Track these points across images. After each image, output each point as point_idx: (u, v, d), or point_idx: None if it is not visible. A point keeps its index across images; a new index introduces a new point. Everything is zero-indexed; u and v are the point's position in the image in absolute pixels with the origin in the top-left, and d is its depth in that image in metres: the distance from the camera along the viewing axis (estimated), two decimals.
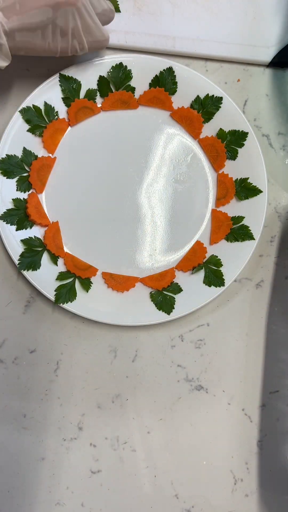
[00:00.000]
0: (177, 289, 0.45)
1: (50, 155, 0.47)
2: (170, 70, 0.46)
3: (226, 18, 0.49)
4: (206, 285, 0.45)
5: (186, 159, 0.48)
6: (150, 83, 0.47)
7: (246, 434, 0.46)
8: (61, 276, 0.45)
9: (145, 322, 0.44)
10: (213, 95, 0.46)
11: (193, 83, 0.46)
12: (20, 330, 0.46)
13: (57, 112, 0.46)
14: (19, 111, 0.45)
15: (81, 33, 0.38)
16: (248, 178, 0.46)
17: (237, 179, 0.46)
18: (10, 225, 0.44)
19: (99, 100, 0.48)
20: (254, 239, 0.45)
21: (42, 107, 0.46)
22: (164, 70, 0.46)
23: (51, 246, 0.45)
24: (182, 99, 0.47)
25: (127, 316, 0.44)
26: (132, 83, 0.47)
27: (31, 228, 0.45)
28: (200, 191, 0.47)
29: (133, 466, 0.45)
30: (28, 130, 0.46)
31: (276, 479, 0.45)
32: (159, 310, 0.45)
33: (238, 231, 0.46)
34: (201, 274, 0.45)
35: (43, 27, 0.37)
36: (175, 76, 0.46)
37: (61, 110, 0.47)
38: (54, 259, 0.45)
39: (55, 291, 0.44)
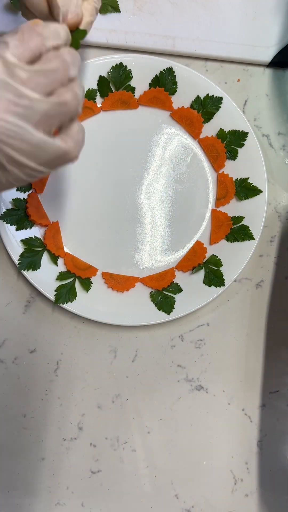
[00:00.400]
0: (177, 289, 0.45)
1: None
2: (170, 70, 0.46)
3: (226, 18, 0.49)
4: (206, 285, 0.45)
5: (186, 159, 0.48)
6: (150, 83, 0.47)
7: (246, 434, 0.46)
8: (61, 276, 0.45)
9: (145, 322, 0.44)
10: (213, 95, 0.46)
11: (193, 83, 0.46)
12: (20, 330, 0.46)
13: None
14: None
15: (20, 159, 0.27)
16: (248, 178, 0.46)
17: (237, 179, 0.46)
18: (10, 225, 0.44)
19: (99, 100, 0.47)
20: (254, 239, 0.45)
21: None
22: (164, 70, 0.46)
23: (51, 246, 0.45)
24: (182, 99, 0.47)
25: (127, 316, 0.44)
26: (132, 83, 0.47)
27: (31, 228, 0.45)
28: (200, 191, 0.47)
29: (133, 466, 0.45)
30: None
31: (276, 479, 0.45)
32: (159, 310, 0.45)
33: (238, 231, 0.46)
34: (201, 274, 0.45)
35: None
36: (175, 76, 0.46)
37: None
38: (54, 259, 0.45)
39: (55, 291, 0.44)
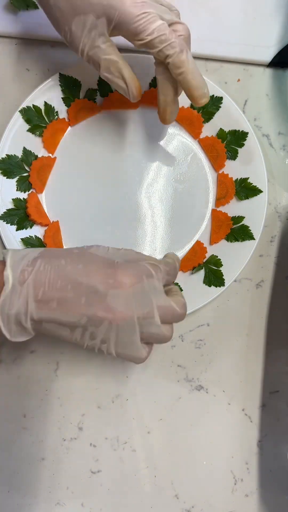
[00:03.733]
0: None
1: (50, 155, 0.47)
2: None
3: (226, 18, 0.49)
4: (206, 285, 0.45)
5: (186, 159, 0.48)
6: (150, 83, 0.47)
7: (246, 434, 0.46)
8: None
9: None
10: (213, 95, 0.46)
11: None
12: None
13: (57, 112, 0.46)
14: (19, 111, 0.45)
15: (111, 344, 0.33)
16: (248, 178, 0.46)
17: (237, 179, 0.46)
18: (10, 225, 0.44)
19: (99, 100, 0.47)
20: (254, 239, 0.45)
21: (42, 107, 0.46)
22: None
23: (51, 245, 0.45)
24: (182, 99, 0.47)
25: None
26: None
27: (31, 228, 0.45)
28: (200, 191, 0.47)
29: (133, 466, 0.45)
30: (28, 130, 0.46)
31: (276, 479, 0.45)
32: None
33: (238, 231, 0.46)
34: (201, 274, 0.45)
35: (73, 327, 0.33)
36: None
37: (61, 110, 0.47)
38: None
39: None
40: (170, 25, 0.37)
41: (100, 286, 0.32)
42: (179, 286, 0.45)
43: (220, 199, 0.47)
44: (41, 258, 0.33)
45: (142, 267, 0.34)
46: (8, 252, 0.34)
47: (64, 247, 0.46)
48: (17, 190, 0.45)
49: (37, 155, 0.46)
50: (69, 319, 0.32)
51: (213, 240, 0.46)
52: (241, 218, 0.46)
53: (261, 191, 0.46)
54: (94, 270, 0.33)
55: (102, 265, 0.34)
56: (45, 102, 0.46)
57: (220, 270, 0.45)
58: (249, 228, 0.45)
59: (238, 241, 0.46)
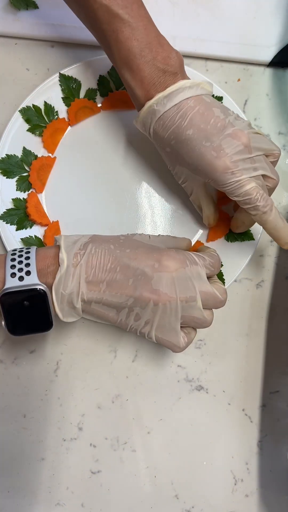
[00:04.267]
0: None
1: (50, 154, 0.47)
2: None
3: (226, 18, 0.49)
4: None
5: None
6: None
7: (246, 434, 0.46)
8: None
9: None
10: (213, 95, 0.46)
11: None
12: None
13: (57, 111, 0.46)
14: (19, 111, 0.45)
15: (153, 326, 0.36)
16: None
17: None
18: (10, 225, 0.44)
19: (99, 100, 0.47)
20: (253, 239, 0.45)
21: (42, 106, 0.46)
22: None
23: (51, 245, 0.45)
24: None
25: None
26: None
27: (31, 228, 0.45)
28: None
29: (133, 467, 0.45)
30: (28, 130, 0.46)
31: (276, 479, 0.45)
32: None
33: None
34: None
35: (119, 308, 0.36)
36: None
37: (61, 109, 0.47)
38: None
39: None
40: (264, 176, 0.39)
41: (147, 269, 0.35)
42: None
43: (221, 199, 0.47)
44: (92, 242, 0.36)
45: (186, 254, 0.37)
46: (61, 237, 0.36)
47: None
48: (17, 190, 0.45)
49: (37, 155, 0.46)
50: (117, 300, 0.35)
51: (209, 238, 0.46)
52: None
53: None
54: (141, 254, 0.36)
55: (148, 250, 0.36)
56: (45, 102, 0.46)
57: (220, 270, 0.45)
58: (249, 228, 0.45)
59: (237, 241, 0.45)
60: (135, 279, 0.35)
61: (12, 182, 0.45)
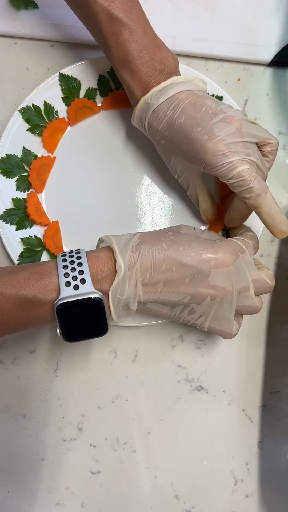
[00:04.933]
0: None
1: (50, 154, 0.47)
2: None
3: (226, 17, 0.49)
4: None
5: None
6: None
7: (247, 435, 0.46)
8: None
9: (145, 322, 0.44)
10: (213, 95, 0.46)
11: None
12: None
13: (56, 111, 0.46)
14: (19, 111, 0.45)
15: (208, 318, 0.37)
16: None
17: None
18: (10, 225, 0.44)
19: (99, 100, 0.47)
20: None
21: (41, 106, 0.46)
22: None
23: (51, 245, 0.45)
24: None
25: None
26: None
27: (30, 227, 0.45)
28: None
29: (133, 467, 0.45)
30: (27, 130, 0.46)
31: (277, 479, 0.45)
32: None
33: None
34: None
35: (175, 305, 0.36)
36: None
37: (61, 109, 0.47)
38: (54, 258, 0.45)
39: None
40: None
41: (203, 266, 0.35)
42: None
43: (221, 199, 0.47)
44: (144, 243, 0.36)
45: (236, 244, 0.37)
46: (111, 239, 0.36)
47: (64, 247, 0.46)
48: (16, 190, 0.45)
49: (36, 155, 0.46)
50: (173, 298, 0.35)
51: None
52: None
53: None
54: (195, 251, 0.35)
55: (201, 245, 0.36)
56: (45, 102, 0.46)
57: None
58: (242, 222, 0.45)
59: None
60: (191, 277, 0.35)
61: (12, 182, 0.45)
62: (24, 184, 0.45)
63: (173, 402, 0.46)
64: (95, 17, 0.39)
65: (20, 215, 0.45)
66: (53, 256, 0.45)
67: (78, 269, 0.34)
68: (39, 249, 0.45)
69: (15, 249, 0.44)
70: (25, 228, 0.45)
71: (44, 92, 0.46)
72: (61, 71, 0.46)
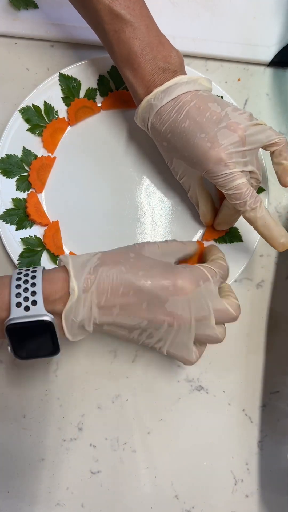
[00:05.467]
0: None
1: (50, 154, 0.47)
2: None
3: (226, 17, 0.49)
4: None
5: None
6: None
7: (247, 435, 0.46)
8: None
9: None
10: (213, 94, 0.46)
11: None
12: None
13: (57, 111, 0.46)
14: (19, 111, 0.45)
15: (166, 344, 0.36)
16: None
17: None
18: (10, 225, 0.44)
19: (99, 100, 0.47)
20: (242, 241, 0.45)
21: (42, 106, 0.46)
22: None
23: (51, 245, 0.45)
24: None
25: None
26: None
27: (30, 227, 0.45)
28: None
29: (133, 467, 0.45)
30: (27, 130, 0.46)
31: (277, 479, 0.45)
32: None
33: (227, 233, 0.46)
34: None
35: (132, 329, 0.35)
36: None
37: (61, 109, 0.47)
38: (54, 258, 0.45)
39: None
40: (251, 173, 0.39)
41: (161, 292, 0.34)
42: None
43: (221, 199, 0.47)
44: (102, 265, 0.35)
45: (199, 271, 0.36)
46: (69, 260, 0.35)
47: (64, 247, 0.46)
48: (16, 190, 0.45)
49: (36, 155, 0.46)
50: (130, 322, 0.35)
51: (205, 237, 0.46)
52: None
53: (263, 189, 0.45)
54: (154, 276, 0.35)
55: (161, 270, 0.35)
56: (45, 102, 0.46)
57: None
58: (238, 230, 0.45)
59: (226, 243, 0.45)
60: (149, 302, 0.34)
61: (12, 182, 0.45)
62: (24, 184, 0.45)
63: (173, 402, 0.46)
64: (97, 14, 0.38)
65: (20, 215, 0.45)
66: (53, 256, 0.45)
67: (31, 289, 0.33)
68: (39, 249, 0.45)
69: (15, 249, 0.44)
70: (25, 228, 0.45)
71: (44, 92, 0.46)
72: (61, 71, 0.46)
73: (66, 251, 0.46)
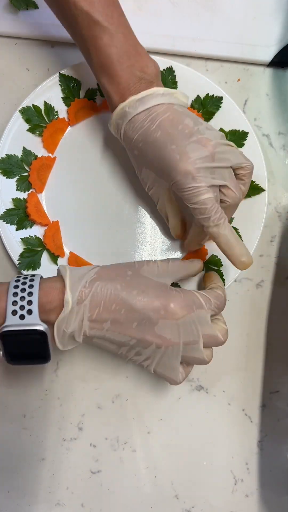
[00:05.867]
0: None
1: (50, 154, 0.47)
2: (170, 70, 0.46)
3: (226, 18, 0.49)
4: None
5: None
6: None
7: (246, 434, 0.46)
8: None
9: None
10: (213, 95, 0.46)
11: (193, 82, 0.46)
12: None
13: (57, 111, 0.46)
14: (19, 111, 0.45)
15: (153, 363, 0.37)
16: None
17: None
18: (10, 225, 0.44)
19: (99, 100, 0.47)
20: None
21: (42, 106, 0.46)
22: (164, 69, 0.46)
23: (51, 245, 0.45)
24: None
25: None
26: None
27: (31, 227, 0.45)
28: None
29: (133, 466, 0.45)
30: (28, 130, 0.46)
31: (276, 479, 0.45)
32: None
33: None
34: (201, 274, 0.45)
35: (121, 345, 0.36)
36: (175, 75, 0.46)
37: (61, 109, 0.47)
38: (54, 258, 0.45)
39: None
40: (221, 187, 0.38)
41: (152, 314, 0.35)
42: (179, 286, 0.45)
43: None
44: (99, 280, 0.36)
45: (194, 297, 0.37)
46: (67, 272, 0.36)
47: (64, 247, 0.46)
48: (17, 190, 0.45)
49: (37, 155, 0.46)
50: (119, 339, 0.36)
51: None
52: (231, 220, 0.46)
53: (263, 190, 0.45)
54: (148, 298, 0.35)
55: (156, 293, 0.36)
56: (45, 102, 0.46)
57: (220, 270, 0.45)
58: (238, 230, 0.45)
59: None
60: (139, 322, 0.35)
61: (12, 182, 0.45)
62: (24, 184, 0.45)
63: (173, 402, 0.46)
64: (75, 20, 0.38)
65: (20, 215, 0.45)
66: (53, 256, 0.45)
67: (27, 298, 0.34)
68: (39, 249, 0.45)
69: (15, 249, 0.44)
70: (25, 228, 0.45)
71: (44, 92, 0.46)
72: (61, 71, 0.46)
73: (66, 251, 0.46)
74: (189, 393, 0.46)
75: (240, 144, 0.46)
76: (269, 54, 0.49)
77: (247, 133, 0.46)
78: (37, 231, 0.45)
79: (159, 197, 0.43)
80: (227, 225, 0.37)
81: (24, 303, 0.34)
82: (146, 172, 0.41)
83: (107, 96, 0.40)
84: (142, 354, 0.36)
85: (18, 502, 0.44)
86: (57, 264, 0.45)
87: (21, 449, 0.44)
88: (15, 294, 0.34)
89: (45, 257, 0.45)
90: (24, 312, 0.34)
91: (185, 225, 0.44)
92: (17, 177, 0.45)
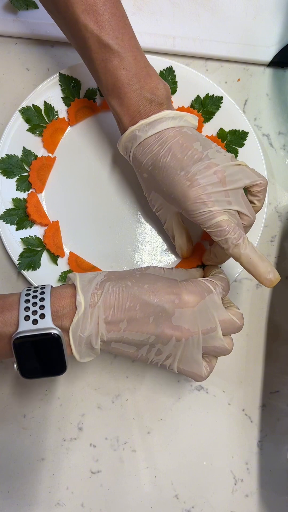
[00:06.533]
0: None
1: (50, 154, 0.47)
2: (170, 70, 0.46)
3: (226, 18, 0.49)
4: None
5: None
6: None
7: (246, 434, 0.46)
8: (63, 276, 0.44)
9: None
10: (213, 95, 0.46)
11: (193, 82, 0.46)
12: None
13: (57, 111, 0.46)
14: (19, 111, 0.45)
15: (175, 360, 0.36)
16: None
17: None
18: (10, 225, 0.44)
19: (99, 100, 0.47)
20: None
21: (42, 106, 0.46)
22: (164, 69, 0.46)
23: (51, 245, 0.45)
24: (182, 98, 0.47)
25: None
26: None
27: (31, 227, 0.45)
28: None
29: (133, 467, 0.45)
30: (28, 130, 0.46)
31: (276, 479, 0.45)
32: None
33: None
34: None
35: (140, 345, 0.35)
36: (175, 75, 0.46)
37: (61, 109, 0.47)
38: (54, 258, 0.45)
39: None
40: (239, 213, 0.38)
41: (167, 305, 0.35)
42: None
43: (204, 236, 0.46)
44: (109, 280, 0.35)
45: (202, 284, 0.36)
46: (76, 276, 0.36)
47: (64, 247, 0.46)
48: (17, 190, 0.45)
49: (36, 155, 0.46)
50: (137, 338, 0.35)
51: (203, 237, 0.46)
52: None
53: None
54: (160, 290, 0.35)
55: (166, 285, 0.36)
56: (45, 102, 0.46)
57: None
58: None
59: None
60: (155, 316, 0.34)
61: (12, 182, 0.45)
62: (24, 184, 0.45)
63: (173, 402, 0.46)
64: (85, 42, 0.38)
65: (20, 215, 0.45)
66: (53, 256, 0.45)
67: (39, 304, 0.33)
68: (39, 249, 0.45)
69: (15, 249, 0.44)
70: (25, 228, 0.45)
71: (44, 92, 0.46)
72: (61, 71, 0.46)
73: (66, 251, 0.46)
74: (189, 393, 0.46)
75: (240, 144, 0.46)
76: (269, 54, 0.49)
77: (247, 133, 0.46)
78: (37, 231, 0.45)
79: (166, 218, 0.43)
80: (247, 243, 0.37)
81: (37, 308, 0.33)
82: (155, 195, 0.41)
83: (116, 118, 0.40)
84: (163, 352, 0.36)
85: (18, 502, 0.44)
86: (57, 264, 0.45)
87: (21, 449, 0.44)
88: (27, 301, 0.34)
89: (45, 257, 0.45)
90: (37, 316, 0.33)
91: (191, 245, 0.45)
92: (17, 177, 0.45)
